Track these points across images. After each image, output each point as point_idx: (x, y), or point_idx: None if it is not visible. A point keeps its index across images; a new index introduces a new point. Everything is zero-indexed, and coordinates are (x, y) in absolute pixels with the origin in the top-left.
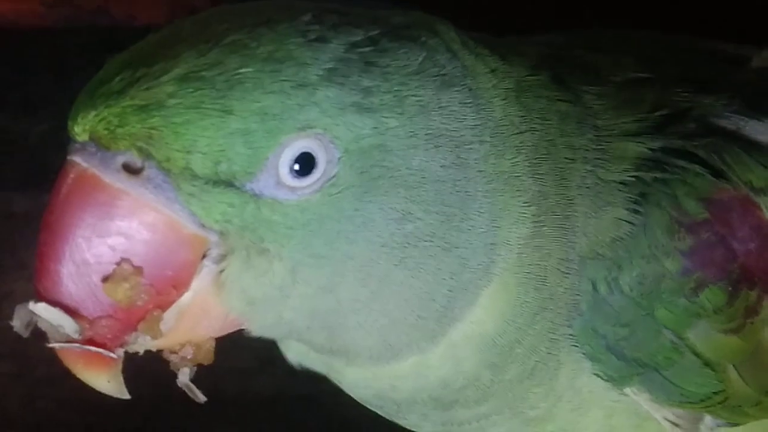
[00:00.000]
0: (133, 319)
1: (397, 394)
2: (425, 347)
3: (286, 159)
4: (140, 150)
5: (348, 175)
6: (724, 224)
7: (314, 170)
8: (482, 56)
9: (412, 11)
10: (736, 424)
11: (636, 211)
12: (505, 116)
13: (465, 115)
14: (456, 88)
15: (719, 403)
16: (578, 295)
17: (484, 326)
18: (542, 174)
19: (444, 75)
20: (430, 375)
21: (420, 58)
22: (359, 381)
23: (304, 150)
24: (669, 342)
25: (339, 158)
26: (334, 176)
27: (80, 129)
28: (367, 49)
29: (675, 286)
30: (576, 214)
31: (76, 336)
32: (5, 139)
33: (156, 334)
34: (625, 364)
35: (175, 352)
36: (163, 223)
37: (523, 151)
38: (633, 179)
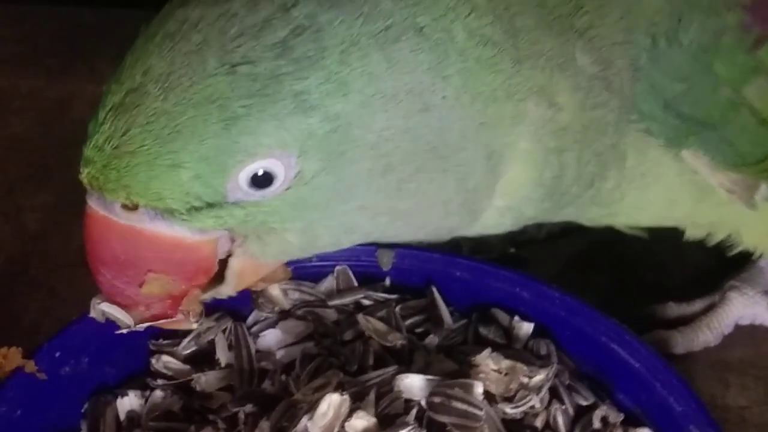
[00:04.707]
0: (178, 300)
1: None
2: (477, 220)
3: (243, 181)
4: (128, 198)
5: (312, 163)
6: None
7: (274, 180)
8: None
9: None
10: None
11: None
12: (469, 37)
13: (419, 62)
14: (404, 37)
15: None
16: (638, 59)
17: (516, 195)
18: (539, 52)
19: (389, 27)
20: (501, 227)
21: (359, 19)
22: None
23: (254, 171)
24: (726, 98)
25: (296, 158)
26: (299, 172)
27: (85, 180)
28: (297, 40)
29: (734, 40)
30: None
31: (131, 324)
32: None
33: (196, 306)
34: (682, 122)
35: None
36: (169, 241)
37: (502, 53)
38: None
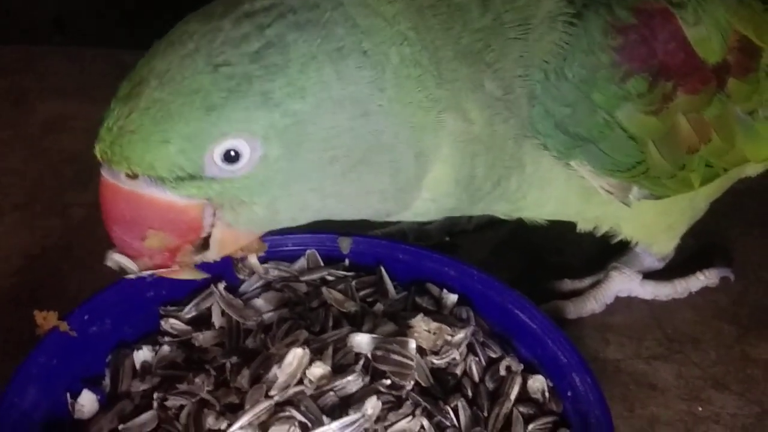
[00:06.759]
0: (174, 253)
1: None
2: (409, 208)
3: (217, 157)
4: (129, 168)
5: (274, 149)
6: (648, 28)
7: (241, 158)
8: (382, 8)
9: None
10: (658, 197)
11: (573, 24)
12: (401, 60)
13: (362, 76)
14: (351, 57)
15: (642, 173)
16: (534, 89)
17: (438, 189)
18: (456, 77)
19: (341, 48)
20: (428, 215)
21: (318, 40)
22: None
23: (227, 148)
24: (602, 119)
25: (261, 143)
26: (263, 155)
27: (98, 154)
28: (267, 51)
29: (607, 74)
30: (509, 70)
31: (137, 271)
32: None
33: (190, 260)
34: (569, 138)
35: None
36: (163, 204)
37: (427, 74)
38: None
